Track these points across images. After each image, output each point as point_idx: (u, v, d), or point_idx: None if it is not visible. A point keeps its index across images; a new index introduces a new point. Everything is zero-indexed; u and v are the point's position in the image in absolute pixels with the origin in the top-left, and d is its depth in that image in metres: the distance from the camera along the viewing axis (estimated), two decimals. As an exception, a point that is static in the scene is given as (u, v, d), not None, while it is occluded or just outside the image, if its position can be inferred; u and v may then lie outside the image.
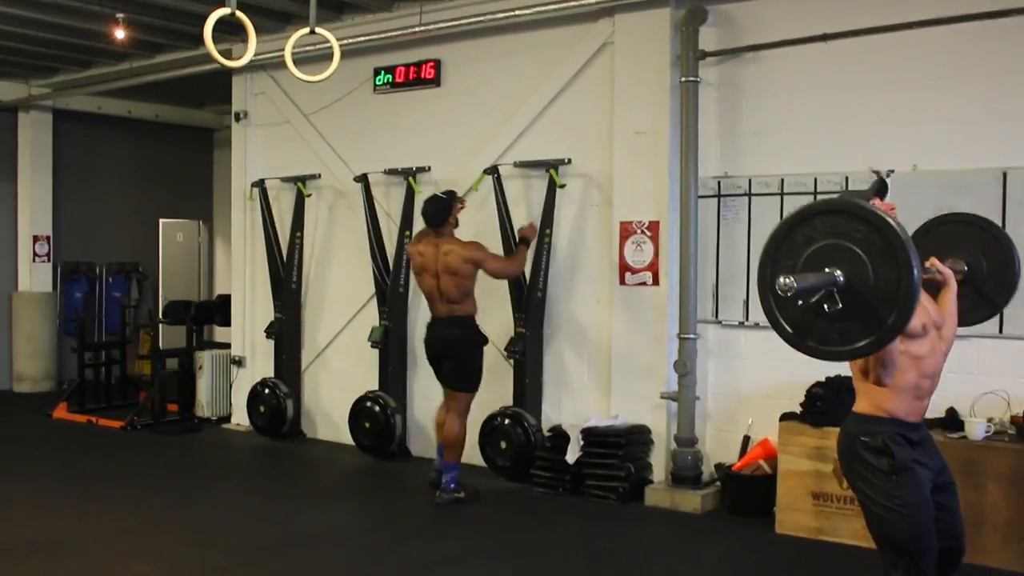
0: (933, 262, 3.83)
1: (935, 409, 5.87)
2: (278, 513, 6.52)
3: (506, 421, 7.35)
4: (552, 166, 7.39)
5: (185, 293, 12.38)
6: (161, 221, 13.07)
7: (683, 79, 6.74)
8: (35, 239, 11.60)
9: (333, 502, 6.90)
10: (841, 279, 2.99)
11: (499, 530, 6.25)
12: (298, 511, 6.58)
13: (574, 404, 7.47)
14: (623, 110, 7.12)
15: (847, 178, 6.30)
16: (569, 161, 7.41)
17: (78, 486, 7.17)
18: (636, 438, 6.94)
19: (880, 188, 3.66)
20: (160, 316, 10.88)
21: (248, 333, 9.49)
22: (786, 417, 6.21)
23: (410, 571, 5.41)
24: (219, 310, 10.14)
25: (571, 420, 7.26)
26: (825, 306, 3.01)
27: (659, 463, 6.99)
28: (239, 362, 9.55)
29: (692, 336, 6.77)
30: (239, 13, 6.63)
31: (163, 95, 11.84)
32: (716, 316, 6.86)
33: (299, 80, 8.92)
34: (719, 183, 6.83)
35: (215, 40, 8.82)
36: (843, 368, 5.95)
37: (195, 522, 6.29)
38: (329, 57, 8.62)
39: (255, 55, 8.93)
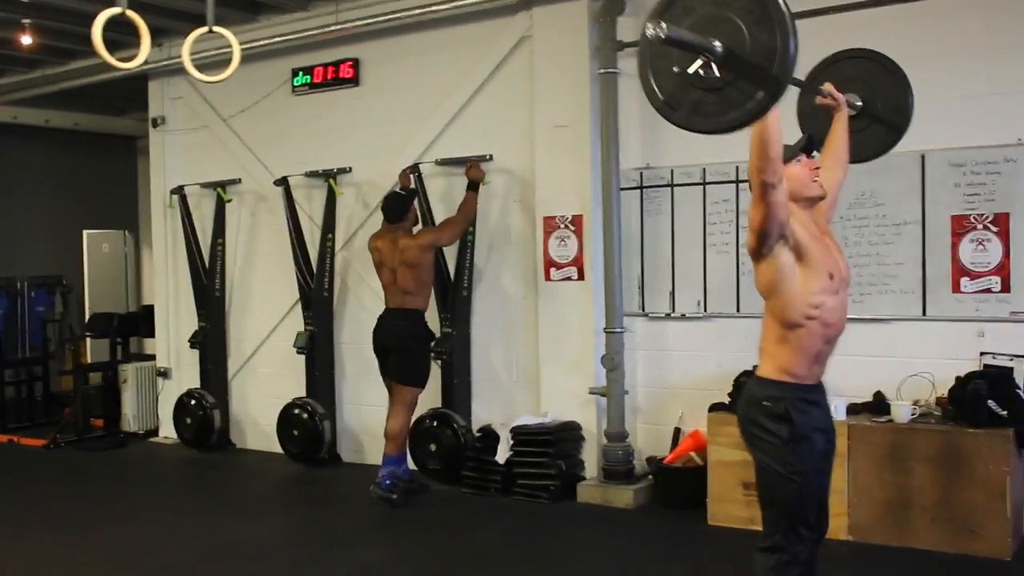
0: (828, 86, 3.90)
1: (862, 393, 5.94)
2: (201, 528, 6.33)
3: (434, 423, 7.23)
4: (473, 162, 7.29)
5: (113, 305, 12.04)
6: (85, 232, 12.71)
7: (602, 70, 6.67)
8: (-50, 255, 11.25)
9: (259, 513, 6.72)
10: (719, 48, 2.90)
11: (427, 535, 6.11)
12: (222, 524, 6.40)
13: (504, 403, 7.37)
14: (543, 104, 7.04)
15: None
16: (491, 157, 7.32)
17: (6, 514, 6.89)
18: (566, 435, 6.85)
19: (808, 144, 3.59)
20: (84, 329, 10.58)
21: (173, 343, 9.26)
22: (715, 408, 6.17)
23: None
24: (144, 321, 9.90)
25: (502, 419, 7.16)
26: (700, 72, 2.92)
27: (591, 459, 6.91)
28: (164, 373, 9.32)
29: (618, 330, 6.70)
30: (130, 13, 6.42)
31: (82, 103, 11.52)
32: (643, 309, 6.81)
33: (217, 84, 8.84)
34: (641, 174, 6.77)
35: (127, 44, 8.68)
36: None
37: (114, 543, 6.06)
38: (250, 59, 8.53)
39: (170, 59, 8.84)
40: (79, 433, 9.07)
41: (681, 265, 6.65)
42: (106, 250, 13.15)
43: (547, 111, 7.02)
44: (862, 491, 5.59)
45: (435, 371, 7.42)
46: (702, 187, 6.54)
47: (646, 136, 6.74)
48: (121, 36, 8.92)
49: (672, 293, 6.68)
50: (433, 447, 7.20)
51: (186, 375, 9.08)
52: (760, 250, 3.40)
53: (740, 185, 6.39)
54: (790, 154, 3.53)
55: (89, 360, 10.24)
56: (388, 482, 6.50)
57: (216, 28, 5.70)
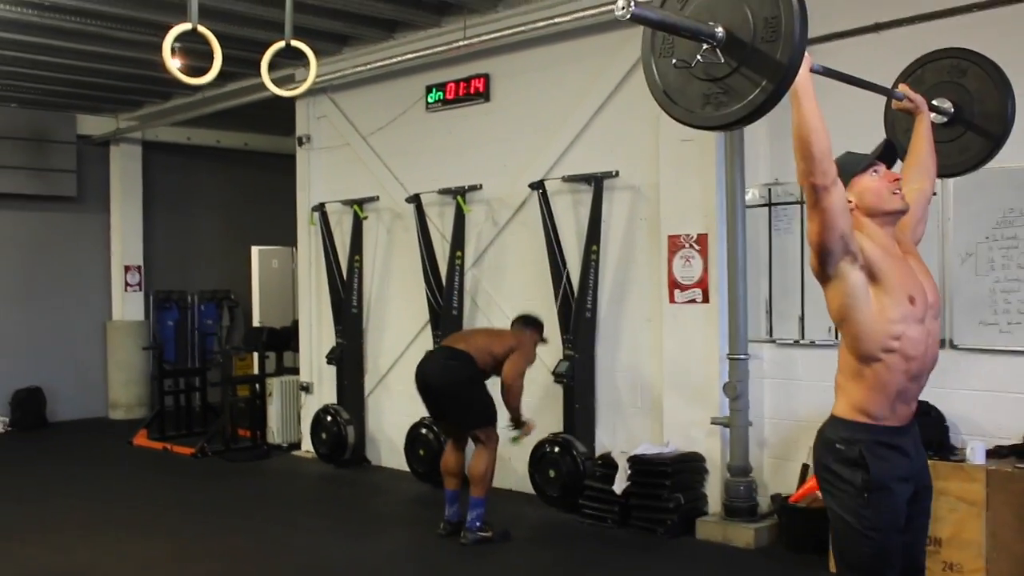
0: (902, 88, 3.50)
1: (1007, 433, 5.30)
2: (310, 544, 6.32)
3: (555, 449, 6.99)
4: (600, 179, 7.03)
5: (281, 319, 12.44)
6: (255, 248, 13.19)
7: (726, 80, 6.27)
8: (126, 269, 11.88)
9: (371, 533, 6.66)
10: (720, 32, 2.60)
11: (532, 567, 5.90)
12: (331, 542, 6.37)
13: (628, 430, 7.05)
14: (668, 117, 6.67)
15: (906, 180, 5.71)
16: (617, 173, 7.03)
17: (126, 515, 7.15)
18: (687, 467, 6.47)
19: (885, 151, 3.20)
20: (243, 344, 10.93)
21: (315, 359, 9.40)
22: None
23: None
24: (294, 336, 10.11)
25: (624, 447, 6.85)
26: (701, 58, 2.64)
27: (714, 494, 6.49)
28: (307, 388, 9.47)
29: (743, 356, 6.28)
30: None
31: (251, 124, 12.00)
32: (770, 334, 6.34)
33: (359, 102, 8.97)
34: (769, 191, 6.32)
35: (276, 66, 8.91)
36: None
37: (221, 554, 6.15)
38: (387, 76, 8.61)
39: (320, 78, 8.99)
40: (226, 443, 9.34)
41: (811, 288, 6.10)
42: (275, 266, 13.58)
43: (672, 124, 6.53)
44: (1002, 545, 4.97)
45: (556, 395, 7.21)
46: (835, 204, 6.03)
47: (775, 149, 6.29)
48: (276, 59, 9.25)
49: (802, 318, 6.19)
50: (552, 473, 6.96)
51: (327, 390, 9.19)
52: (824, 270, 3.02)
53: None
54: (865, 163, 3.16)
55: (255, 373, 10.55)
56: (478, 523, 6.20)
57: (294, 42, 5.63)
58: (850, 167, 3.13)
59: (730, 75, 2.63)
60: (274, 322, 11.75)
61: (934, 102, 3.63)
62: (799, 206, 6.18)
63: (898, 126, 3.73)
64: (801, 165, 2.86)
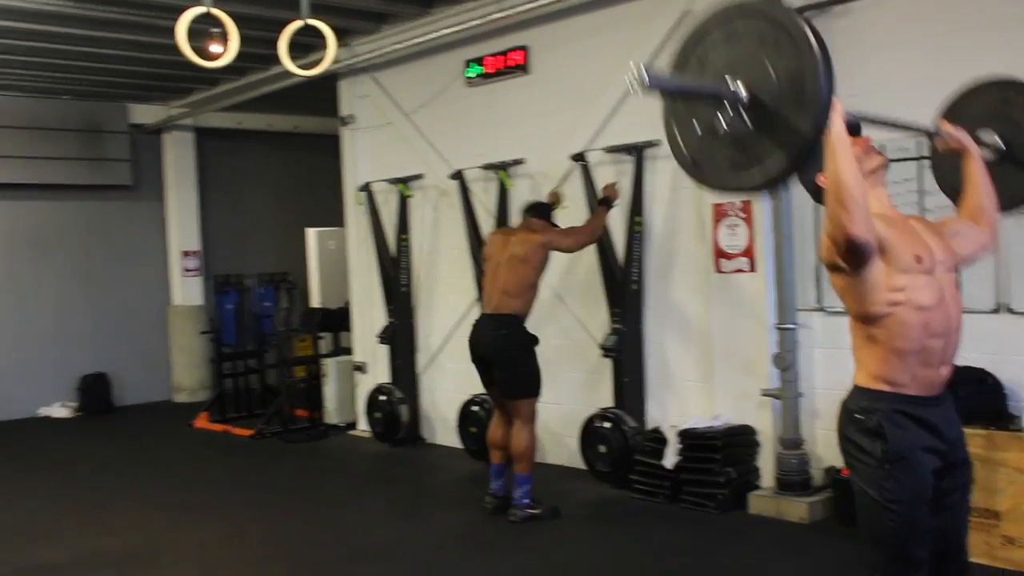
0: (942, 124, 3.27)
1: None
2: (360, 524, 6.37)
3: (604, 423, 6.92)
4: (641, 148, 6.90)
5: (338, 300, 12.51)
6: (310, 230, 13.26)
7: (766, 42, 6.08)
8: (184, 254, 12.04)
9: (421, 512, 6.67)
10: (742, 92, 2.46)
11: (579, 543, 5.84)
12: (381, 522, 6.40)
13: (679, 404, 6.94)
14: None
15: (957, 139, 5.48)
16: (659, 142, 6.88)
17: (182, 497, 7.27)
18: (737, 440, 6.35)
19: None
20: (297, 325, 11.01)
21: (368, 339, 9.42)
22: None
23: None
24: (348, 316, 10.15)
25: (675, 421, 6.74)
26: (725, 124, 2.50)
27: (767, 468, 6.37)
28: (361, 368, 9.51)
29: (791, 326, 6.13)
30: (312, 21, 6.55)
31: (300, 107, 12.02)
32: (819, 303, 6.17)
33: (400, 80, 8.92)
34: (815, 154, 6.12)
35: (316, 47, 8.90)
36: (968, 358, 5.22)
37: (273, 535, 6.22)
38: (426, 52, 8.54)
39: (353, 58, 8.97)
40: (283, 424, 9.43)
41: (861, 254, 5.96)
42: (332, 247, 13.64)
43: (713, 90, 6.50)
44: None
45: (605, 369, 7.13)
46: (882, 166, 5.82)
47: (820, 112, 6.08)
48: (314, 40, 9.24)
49: (852, 285, 6.01)
50: (602, 449, 6.90)
51: (381, 370, 9.21)
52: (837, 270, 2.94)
53: (923, 162, 5.64)
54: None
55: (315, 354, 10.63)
56: (526, 500, 6.17)
57: (311, 21, 5.61)
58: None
59: (757, 137, 2.49)
60: (332, 303, 11.81)
61: (981, 136, 3.38)
62: (846, 169, 5.98)
63: (948, 169, 3.47)
64: (839, 216, 2.72)
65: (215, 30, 8.49)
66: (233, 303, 12.31)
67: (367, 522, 6.44)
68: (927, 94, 5.56)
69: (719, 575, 5.26)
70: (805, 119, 2.42)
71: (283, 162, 12.94)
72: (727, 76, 2.51)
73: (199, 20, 5.54)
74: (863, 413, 2.95)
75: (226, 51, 6.07)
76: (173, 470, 8.30)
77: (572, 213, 7.39)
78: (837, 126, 2.66)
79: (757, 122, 2.49)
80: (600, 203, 6.65)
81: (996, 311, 5.41)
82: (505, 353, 6.19)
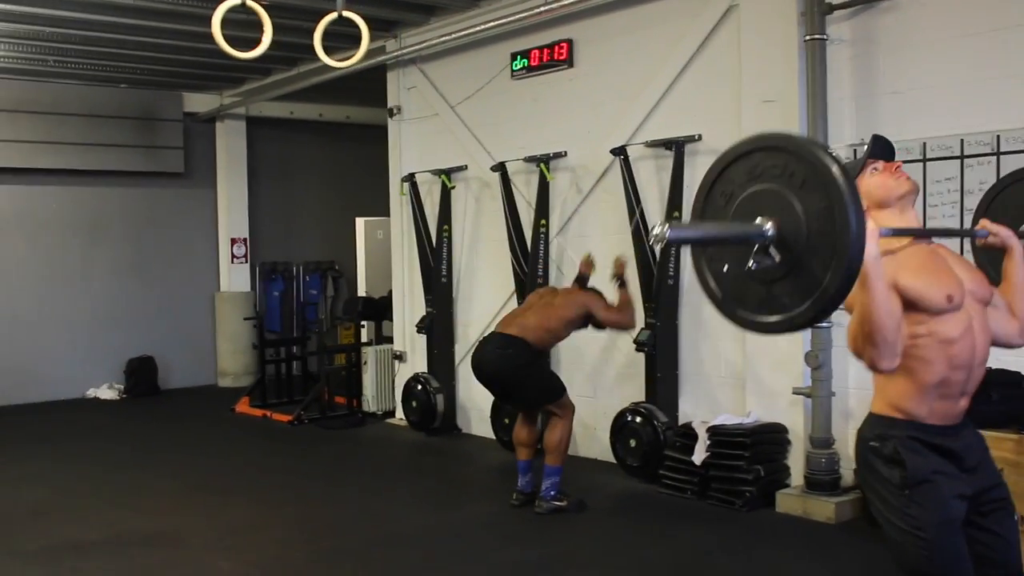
0: (984, 224, 3.10)
1: None
2: (387, 513, 6.41)
3: (636, 418, 6.90)
4: (681, 143, 6.87)
5: (385, 290, 12.61)
6: (359, 219, 13.37)
7: (808, 37, 6.03)
8: (233, 242, 12.22)
9: (449, 502, 6.71)
10: (770, 231, 2.38)
11: (603, 536, 5.83)
12: (409, 512, 6.43)
13: (711, 400, 6.90)
14: (750, 78, 6.49)
15: (998, 137, 5.39)
16: (699, 137, 6.86)
17: (218, 481, 7.38)
18: (766, 438, 6.29)
19: (875, 147, 2.99)
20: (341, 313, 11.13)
21: (408, 328, 9.49)
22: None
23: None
24: (390, 305, 10.23)
25: (707, 417, 6.70)
26: (753, 264, 2.42)
27: (797, 466, 6.30)
28: (400, 357, 9.59)
29: (825, 324, 6.04)
30: (347, 14, 6.61)
31: (352, 97, 12.13)
32: (856, 302, 6.08)
33: (447, 72, 8.97)
34: (855, 152, 6.04)
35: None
36: (1002, 360, 5.12)
37: (301, 520, 6.28)
38: (474, 45, 8.58)
39: (401, 49, 9.05)
40: (322, 411, 9.53)
41: (899, 253, 5.87)
42: (380, 236, 13.74)
43: (754, 85, 6.46)
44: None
45: (638, 364, 7.11)
46: (922, 164, 5.74)
47: (860, 108, 6.01)
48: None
49: (889, 285, 5.92)
50: (633, 443, 6.88)
51: (420, 359, 9.27)
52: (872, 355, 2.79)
53: (965, 161, 5.55)
54: (859, 165, 2.96)
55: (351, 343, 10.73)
56: (553, 492, 6.15)
57: (346, 13, 5.66)
58: (856, 167, 2.96)
59: (788, 274, 2.40)
60: (377, 292, 11.91)
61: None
62: (886, 167, 5.89)
63: (991, 264, 3.29)
64: (867, 351, 2.68)
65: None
66: (279, 290, 12.52)
67: (394, 510, 6.48)
68: (970, 92, 5.54)
69: (741, 573, 5.21)
70: (834, 273, 2.30)
71: (334, 152, 13.07)
72: (755, 217, 2.43)
73: (236, 10, 5.62)
74: (878, 440, 2.87)
75: (260, 42, 6.15)
76: (210, 453, 8.43)
77: (611, 207, 7.39)
78: (872, 254, 2.54)
79: (785, 264, 2.40)
80: (619, 286, 6.44)
81: (1035, 314, 5.29)
82: (511, 373, 6.10)
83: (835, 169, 2.31)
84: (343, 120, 12.80)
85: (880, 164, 2.96)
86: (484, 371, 6.20)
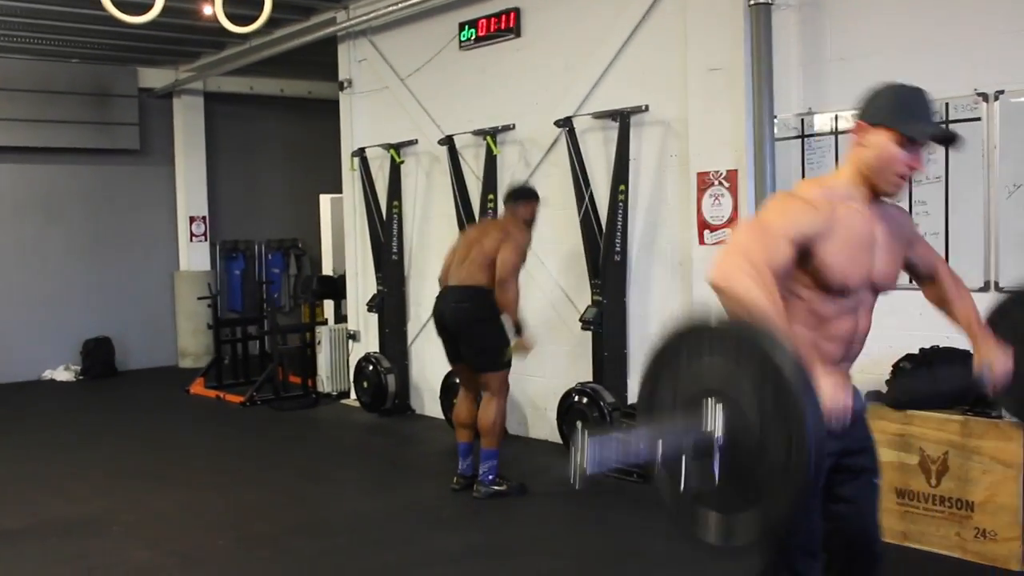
0: (986, 370, 2.87)
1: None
2: (323, 497, 6.22)
3: (582, 399, 6.69)
4: (627, 114, 6.62)
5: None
6: (324, 196, 13.12)
7: (751, 2, 5.77)
8: (191, 219, 11.97)
9: (389, 486, 6.50)
10: (712, 436, 2.20)
11: (540, 521, 5.63)
12: (345, 495, 6.26)
13: (661, 380, 6.68)
14: (696, 45, 6.23)
15: (947, 105, 5.15)
16: (646, 108, 6.61)
17: (153, 465, 7.18)
18: (712, 419, 6.08)
19: (945, 138, 2.76)
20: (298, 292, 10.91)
21: (362, 307, 9.27)
22: (869, 396, 5.18)
23: (400, 567, 4.92)
24: (343, 284, 10.00)
25: (655, 398, 6.49)
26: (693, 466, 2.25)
27: (744, 447, 6.09)
28: (353, 336, 9.37)
29: (770, 301, 5.82)
30: None
31: (314, 72, 11.81)
32: (803, 278, 5.86)
33: (397, 44, 8.70)
34: (802, 121, 5.81)
35: (317, 10, 8.73)
36: (947, 338, 4.92)
37: (232, 506, 6.08)
38: (422, 16, 8.32)
39: (350, 20, 8.77)
40: (276, 392, 9.32)
41: (846, 227, 5.64)
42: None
43: (700, 53, 6.21)
44: (1038, 510, 4.48)
45: (583, 343, 6.90)
46: (870, 134, 5.49)
47: (808, 76, 5.76)
48: (317, 3, 9.05)
49: (835, 260, 5.69)
50: (579, 424, 6.66)
51: (374, 339, 9.05)
52: None
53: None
54: (915, 132, 2.63)
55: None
56: (491, 476, 5.96)
57: None
58: (895, 113, 2.62)
59: (729, 488, 2.22)
60: (343, 270, 11.69)
61: None
62: (833, 137, 5.66)
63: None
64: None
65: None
66: (240, 269, 12.27)
67: (331, 494, 6.29)
68: (917, 59, 5.29)
69: (678, 559, 5.01)
70: (783, 495, 2.11)
71: (296, 127, 12.78)
72: (694, 413, 2.23)
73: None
74: None
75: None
76: (155, 436, 8.21)
77: (558, 181, 7.16)
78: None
79: (730, 470, 2.19)
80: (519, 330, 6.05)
81: (984, 289, 5.09)
82: (467, 327, 5.90)
83: (794, 381, 2.09)
84: (305, 95, 12.51)
85: (922, 152, 2.69)
86: (443, 325, 5.99)
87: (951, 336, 5.01)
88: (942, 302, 3.03)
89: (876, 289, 2.76)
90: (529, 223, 6.14)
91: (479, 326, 5.88)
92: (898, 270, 2.85)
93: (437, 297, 6.13)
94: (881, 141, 2.62)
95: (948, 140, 2.73)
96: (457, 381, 6.68)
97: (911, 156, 2.63)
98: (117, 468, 7.09)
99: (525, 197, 6.20)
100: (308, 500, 6.16)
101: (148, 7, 5.84)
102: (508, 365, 6.02)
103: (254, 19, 9.15)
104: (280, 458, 7.36)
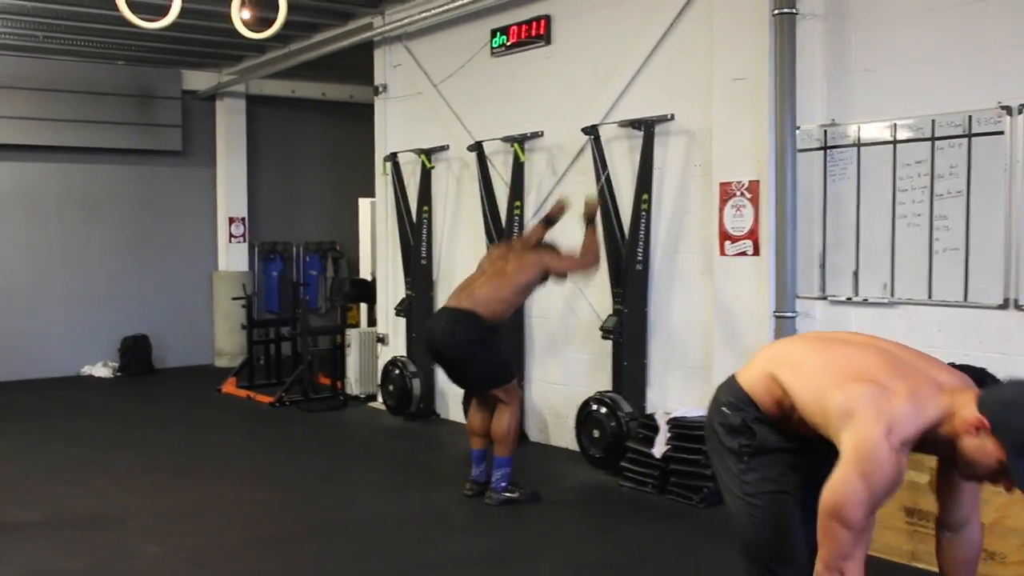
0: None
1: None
2: (338, 499, 6.24)
3: (601, 408, 6.66)
4: (652, 124, 6.59)
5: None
6: (363, 200, 13.21)
7: (776, 11, 5.71)
8: (231, 220, 12.13)
9: (404, 489, 6.50)
10: None
11: (549, 530, 5.60)
12: (359, 499, 6.27)
13: (680, 390, 6.64)
14: (721, 55, 6.20)
15: (970, 118, 5.06)
16: (672, 117, 6.58)
17: (175, 461, 7.28)
18: (729, 432, 6.01)
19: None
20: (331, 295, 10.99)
21: (391, 311, 9.31)
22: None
23: (405, 571, 4.93)
24: (375, 288, 10.05)
25: (675, 408, 6.45)
26: None
27: (761, 461, 6.02)
28: (383, 340, 9.42)
29: (790, 315, 5.76)
30: None
31: (355, 76, 11.89)
32: (823, 291, 5.79)
33: (431, 49, 8.76)
34: (825, 132, 5.74)
35: (354, 16, 8.80)
36: (965, 356, 4.83)
37: (247, 504, 6.13)
38: (456, 22, 8.36)
39: (386, 25, 8.82)
40: (305, 393, 9.39)
41: (867, 240, 5.56)
42: (384, 218, 13.60)
43: (725, 63, 6.17)
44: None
45: (605, 352, 6.87)
46: (892, 146, 5.42)
47: (831, 86, 5.69)
48: (355, 8, 9.13)
49: (856, 273, 5.62)
50: (596, 433, 6.66)
51: (402, 342, 9.09)
52: None
53: (936, 143, 5.22)
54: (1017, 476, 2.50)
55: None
56: (504, 483, 5.94)
57: None
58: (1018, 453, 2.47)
59: None
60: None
61: None
62: (855, 149, 5.59)
63: None
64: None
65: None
66: (278, 271, 12.40)
67: (347, 496, 6.31)
68: (942, 71, 5.21)
69: (686, 571, 4.97)
70: None
71: (336, 131, 12.87)
72: None
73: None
74: (731, 408, 2.80)
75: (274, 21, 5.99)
76: (182, 433, 8.31)
77: (585, 189, 7.14)
78: None
79: None
80: (587, 224, 6.19)
81: (1004, 306, 4.99)
82: (463, 350, 5.84)
83: None
84: (346, 99, 12.61)
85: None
86: (434, 348, 5.97)
87: (969, 354, 4.97)
88: (955, 564, 2.87)
89: None
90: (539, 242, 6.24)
91: (473, 348, 5.84)
92: None
93: (432, 317, 6.12)
94: (989, 449, 2.51)
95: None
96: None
97: (998, 478, 2.55)
98: (140, 465, 7.19)
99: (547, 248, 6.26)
100: (323, 502, 6.20)
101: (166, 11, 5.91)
102: (512, 375, 6.05)
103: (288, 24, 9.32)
104: (301, 459, 7.42)
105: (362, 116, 12.71)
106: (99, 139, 11.28)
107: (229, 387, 10.13)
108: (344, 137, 12.88)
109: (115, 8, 8.63)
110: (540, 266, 6.00)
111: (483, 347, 5.87)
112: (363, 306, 10.52)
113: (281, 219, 12.65)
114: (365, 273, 11.29)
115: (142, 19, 5.76)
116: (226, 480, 6.74)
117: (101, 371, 11.38)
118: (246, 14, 8.63)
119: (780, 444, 2.71)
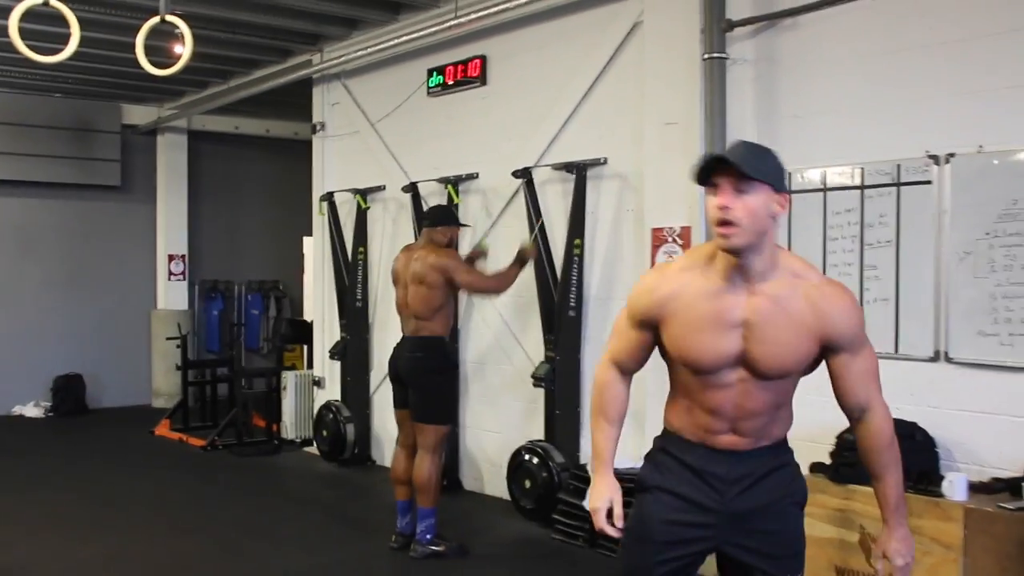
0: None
1: (1006, 464, 4.55)
2: (256, 552, 6.00)
3: (532, 458, 6.49)
4: (584, 167, 6.49)
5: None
6: (307, 239, 13.01)
7: (706, 56, 5.63)
8: (171, 258, 11.87)
9: (327, 541, 6.27)
10: None
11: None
12: (279, 551, 6.02)
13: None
14: (653, 98, 6.11)
15: (899, 167, 4.98)
16: (605, 161, 6.48)
17: (92, 509, 7.02)
18: (659, 484, 5.86)
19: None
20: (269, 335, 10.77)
21: (326, 354, 9.10)
22: (814, 468, 4.98)
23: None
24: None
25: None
26: None
27: (693, 514, 5.87)
28: (318, 383, 9.20)
29: (720, 364, 5.62)
30: (169, 18, 6.10)
31: (300, 113, 11.73)
32: (754, 340, 5.66)
33: (368, 88, 8.62)
34: (756, 179, 5.63)
35: (293, 52, 8.67)
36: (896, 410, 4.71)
37: (160, 557, 5.88)
38: (392, 61, 8.23)
39: (326, 63, 8.68)
40: (238, 437, 9.13)
41: (797, 289, 5.44)
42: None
43: (657, 106, 6.08)
44: (978, 596, 4.24)
45: (538, 400, 6.71)
46: (822, 193, 5.34)
47: (762, 132, 5.58)
48: (295, 44, 9.00)
49: (786, 323, 5.50)
50: (527, 484, 6.48)
51: (338, 386, 8.88)
52: None
53: (865, 192, 5.14)
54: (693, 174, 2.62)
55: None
56: (429, 536, 5.76)
57: (167, 17, 5.32)
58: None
59: None
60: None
61: None
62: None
63: None
64: None
65: (177, 30, 8.36)
66: (219, 309, 12.15)
67: (268, 548, 6.07)
68: (871, 118, 5.14)
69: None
70: None
71: (280, 169, 12.65)
72: None
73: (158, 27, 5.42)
74: (654, 443, 2.98)
75: (182, 55, 5.87)
76: (105, 479, 8.02)
77: (518, 233, 7.00)
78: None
79: None
80: (515, 261, 6.08)
81: (934, 359, 4.89)
82: (418, 377, 5.80)
83: None
84: (291, 136, 12.41)
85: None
86: (398, 374, 5.92)
87: (900, 407, 4.85)
88: (866, 455, 2.76)
89: (757, 372, 2.58)
90: (447, 245, 6.02)
91: (428, 377, 5.80)
92: (795, 360, 2.65)
93: (396, 346, 6.01)
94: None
95: (718, 161, 2.54)
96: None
97: (715, 199, 2.58)
98: (55, 512, 6.91)
99: (444, 223, 6.06)
100: (243, 554, 5.96)
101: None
102: (448, 420, 5.87)
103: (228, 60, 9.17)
104: (226, 507, 7.16)
105: (306, 154, 12.49)
106: (34, 172, 11.02)
107: (163, 429, 9.85)
108: (288, 175, 12.65)
109: (48, 41, 8.56)
110: (442, 270, 5.79)
111: (440, 378, 5.87)
112: (305, 348, 10.31)
113: (223, 257, 12.41)
114: (309, 313, 11.11)
115: (40, 55, 5.54)
116: (144, 530, 6.48)
117: (32, 411, 11.06)
118: (179, 48, 8.52)
119: (657, 484, 2.90)
